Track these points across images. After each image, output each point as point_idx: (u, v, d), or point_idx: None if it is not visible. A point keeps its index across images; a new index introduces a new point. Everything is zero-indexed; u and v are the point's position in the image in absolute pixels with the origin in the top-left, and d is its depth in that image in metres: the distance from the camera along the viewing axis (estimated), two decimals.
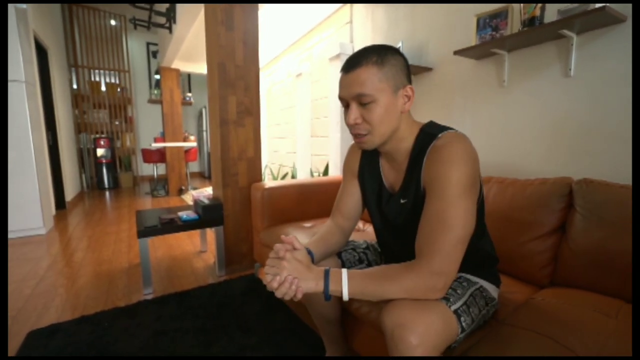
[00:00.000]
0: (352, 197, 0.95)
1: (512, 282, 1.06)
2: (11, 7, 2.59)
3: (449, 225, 0.65)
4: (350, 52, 2.38)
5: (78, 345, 1.26)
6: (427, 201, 0.70)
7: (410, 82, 0.76)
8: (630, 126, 1.07)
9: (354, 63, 0.72)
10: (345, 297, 0.67)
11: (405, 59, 0.76)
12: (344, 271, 0.69)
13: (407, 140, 0.78)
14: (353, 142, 0.97)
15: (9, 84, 2.63)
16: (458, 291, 0.72)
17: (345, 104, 0.76)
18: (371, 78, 0.70)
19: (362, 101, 0.71)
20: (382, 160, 0.87)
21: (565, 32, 1.15)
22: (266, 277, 0.71)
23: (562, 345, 0.65)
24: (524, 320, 0.76)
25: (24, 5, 2.87)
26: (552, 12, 1.21)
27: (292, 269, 0.70)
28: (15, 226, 2.72)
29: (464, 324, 0.67)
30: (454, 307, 0.67)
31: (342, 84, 0.74)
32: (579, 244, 0.96)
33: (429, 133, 0.75)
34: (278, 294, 0.69)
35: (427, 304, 0.63)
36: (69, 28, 5.22)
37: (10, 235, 2.72)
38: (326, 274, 0.69)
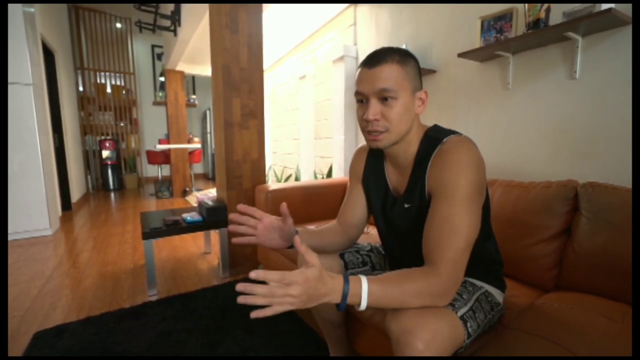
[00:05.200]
0: (357, 203, 0.95)
1: (517, 286, 1.05)
2: (19, 11, 2.63)
3: (457, 231, 0.64)
4: (354, 55, 2.39)
5: (84, 345, 1.27)
6: (434, 206, 0.70)
7: (422, 87, 0.77)
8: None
9: (378, 59, 0.71)
10: (363, 307, 0.61)
11: (419, 65, 0.77)
12: (364, 284, 0.60)
13: (413, 144, 0.78)
14: (359, 146, 0.98)
15: (17, 86, 2.67)
16: (464, 296, 0.71)
17: (362, 100, 0.75)
18: (395, 74, 0.71)
19: (385, 96, 0.71)
20: (387, 164, 0.87)
21: (571, 34, 1.15)
22: (274, 307, 0.56)
23: (567, 350, 0.65)
24: (529, 324, 0.76)
25: (32, 9, 2.91)
26: (557, 14, 1.21)
27: (308, 298, 0.56)
28: (22, 227, 2.75)
29: (470, 329, 0.67)
30: (460, 313, 0.67)
31: (364, 79, 0.73)
32: (585, 248, 0.96)
33: (434, 137, 0.75)
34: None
35: (433, 310, 0.63)
36: (75, 31, 5.28)
37: (17, 236, 2.75)
38: (344, 293, 0.59)
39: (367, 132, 0.76)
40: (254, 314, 0.55)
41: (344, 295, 0.59)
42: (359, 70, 0.75)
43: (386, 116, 0.72)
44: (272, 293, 0.54)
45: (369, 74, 0.72)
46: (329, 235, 0.92)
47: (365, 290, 0.60)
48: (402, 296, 0.62)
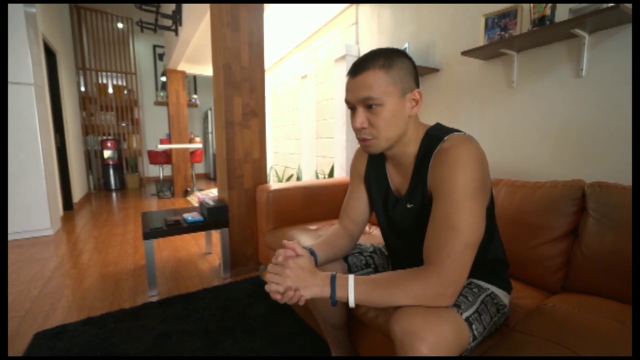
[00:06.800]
0: (359, 201, 0.94)
1: (523, 287, 1.03)
2: (21, 11, 2.63)
3: (457, 230, 0.63)
4: (355, 54, 2.37)
5: (84, 346, 1.26)
6: (434, 206, 0.69)
7: (418, 85, 0.75)
8: None
9: (361, 67, 0.71)
10: (352, 303, 0.66)
11: (413, 63, 0.75)
12: (351, 277, 0.67)
13: (413, 144, 0.76)
14: (359, 145, 0.97)
15: (18, 86, 2.67)
16: (469, 298, 0.70)
17: (352, 108, 0.76)
18: (378, 82, 0.69)
19: (369, 104, 0.71)
20: (389, 165, 0.86)
21: (577, 31, 1.13)
22: (269, 285, 0.70)
23: (575, 353, 0.63)
24: (536, 327, 0.74)
25: (33, 9, 2.91)
26: (562, 12, 1.19)
27: (295, 277, 0.69)
28: (23, 227, 2.75)
29: (475, 332, 0.65)
30: (465, 315, 0.65)
31: (349, 88, 0.74)
32: (592, 249, 0.94)
33: (435, 136, 0.73)
34: (281, 301, 0.70)
35: (438, 312, 0.61)
36: (77, 31, 5.29)
37: (18, 237, 2.75)
38: (333, 279, 0.68)
39: (358, 139, 0.77)
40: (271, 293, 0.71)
41: (332, 290, 0.67)
42: (347, 78, 0.76)
43: (373, 123, 0.72)
44: (275, 270, 0.72)
45: (353, 82, 0.72)
46: (335, 241, 0.91)
47: (351, 286, 0.66)
48: (392, 294, 0.63)
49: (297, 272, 0.69)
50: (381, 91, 0.69)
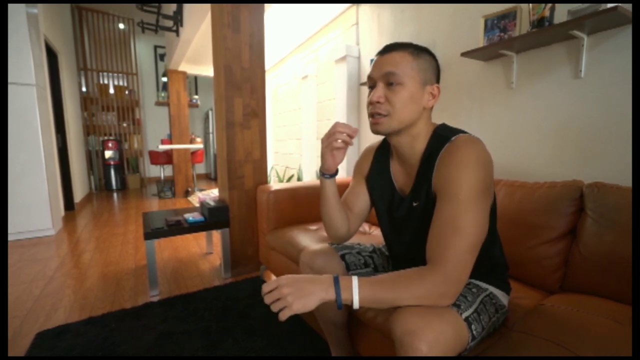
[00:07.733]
0: (358, 197, 0.95)
1: (521, 287, 1.04)
2: (22, 12, 2.64)
3: (461, 231, 0.63)
4: (356, 54, 2.38)
5: (85, 346, 1.27)
6: (439, 206, 0.69)
7: (438, 82, 0.78)
8: None
9: (391, 47, 0.76)
10: (356, 305, 0.64)
11: (437, 63, 0.78)
12: (355, 278, 0.65)
13: (421, 140, 0.77)
14: (365, 146, 0.98)
15: (20, 87, 2.68)
16: (468, 298, 0.70)
17: (372, 85, 0.78)
18: (404, 62, 0.73)
19: (390, 81, 0.73)
20: (393, 163, 0.86)
21: (576, 32, 1.13)
22: (280, 315, 0.66)
23: (573, 353, 0.64)
24: (534, 326, 0.74)
25: (34, 10, 2.92)
26: (561, 13, 1.19)
27: (295, 291, 0.65)
28: (25, 227, 2.76)
29: (474, 331, 0.66)
30: (464, 315, 0.65)
31: (375, 65, 0.77)
32: (590, 249, 0.94)
33: (443, 135, 0.74)
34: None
35: (437, 311, 0.62)
36: (78, 32, 5.31)
37: (19, 237, 2.76)
38: (336, 282, 0.65)
39: (370, 116, 0.78)
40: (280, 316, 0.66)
41: (337, 293, 0.64)
42: (375, 58, 0.79)
43: (390, 100, 0.74)
44: (272, 297, 0.66)
45: (380, 59, 0.76)
46: (341, 204, 0.91)
47: (355, 286, 0.64)
48: (398, 295, 0.63)
49: (294, 286, 0.65)
50: (405, 72, 0.72)
